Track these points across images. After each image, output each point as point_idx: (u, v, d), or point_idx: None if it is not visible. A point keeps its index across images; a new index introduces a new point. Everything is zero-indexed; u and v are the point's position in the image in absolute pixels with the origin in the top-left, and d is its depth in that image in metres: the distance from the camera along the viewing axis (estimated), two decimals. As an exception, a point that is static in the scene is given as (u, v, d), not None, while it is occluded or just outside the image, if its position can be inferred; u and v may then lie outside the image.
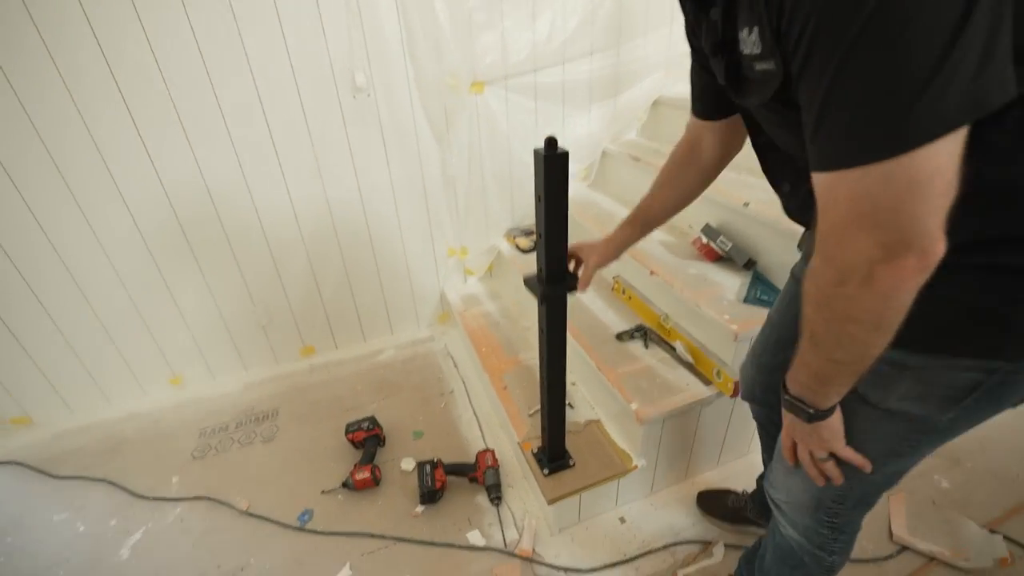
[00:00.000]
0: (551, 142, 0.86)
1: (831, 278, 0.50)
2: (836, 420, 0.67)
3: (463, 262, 2.20)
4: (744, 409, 1.29)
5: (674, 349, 1.41)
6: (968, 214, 0.45)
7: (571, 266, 1.04)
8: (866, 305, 0.49)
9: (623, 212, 1.91)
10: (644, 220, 0.98)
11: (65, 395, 1.84)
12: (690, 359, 1.36)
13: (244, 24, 1.47)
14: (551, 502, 1.26)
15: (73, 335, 1.75)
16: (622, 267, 1.72)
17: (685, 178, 0.92)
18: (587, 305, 1.69)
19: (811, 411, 0.64)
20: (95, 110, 1.45)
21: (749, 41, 0.51)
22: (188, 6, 1.40)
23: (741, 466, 1.53)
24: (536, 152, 0.88)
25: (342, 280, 2.00)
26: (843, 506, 0.76)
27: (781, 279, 1.32)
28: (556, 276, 1.01)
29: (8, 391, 1.76)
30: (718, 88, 0.69)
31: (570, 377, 1.37)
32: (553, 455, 1.32)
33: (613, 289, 1.71)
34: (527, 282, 1.05)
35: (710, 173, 0.91)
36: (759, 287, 1.32)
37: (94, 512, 1.53)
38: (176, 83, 1.48)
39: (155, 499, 1.55)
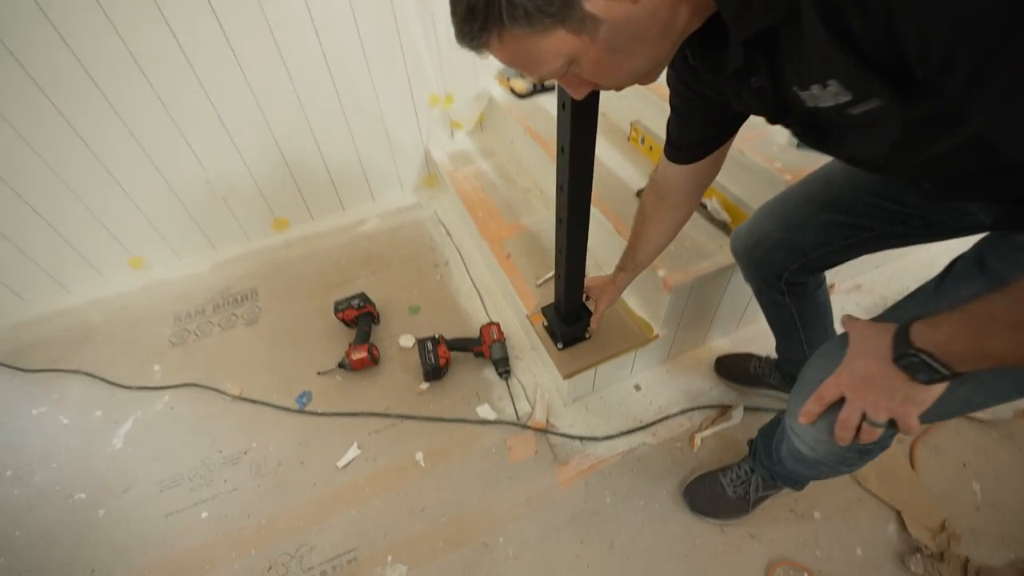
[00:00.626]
0: None
1: None
2: (943, 384, 0.52)
3: (448, 113, 1.87)
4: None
5: (705, 207, 1.22)
6: None
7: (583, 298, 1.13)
8: None
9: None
10: (633, 265, 0.99)
11: (10, 283, 1.64)
12: (725, 217, 1.18)
13: None
14: (567, 377, 1.18)
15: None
16: (641, 107, 1.45)
17: (658, 228, 0.92)
18: (601, 159, 1.44)
19: (945, 372, 0.49)
20: None
21: (827, 94, 0.47)
22: None
23: (758, 330, 1.45)
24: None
25: (306, 138, 1.68)
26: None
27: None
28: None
29: (-59, 282, 1.56)
30: (714, 123, 0.72)
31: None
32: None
33: (630, 138, 1.46)
34: (544, 312, 1.18)
35: (679, 222, 0.92)
36: (816, 127, 1.09)
37: (75, 404, 1.43)
38: None
39: (139, 388, 1.45)
